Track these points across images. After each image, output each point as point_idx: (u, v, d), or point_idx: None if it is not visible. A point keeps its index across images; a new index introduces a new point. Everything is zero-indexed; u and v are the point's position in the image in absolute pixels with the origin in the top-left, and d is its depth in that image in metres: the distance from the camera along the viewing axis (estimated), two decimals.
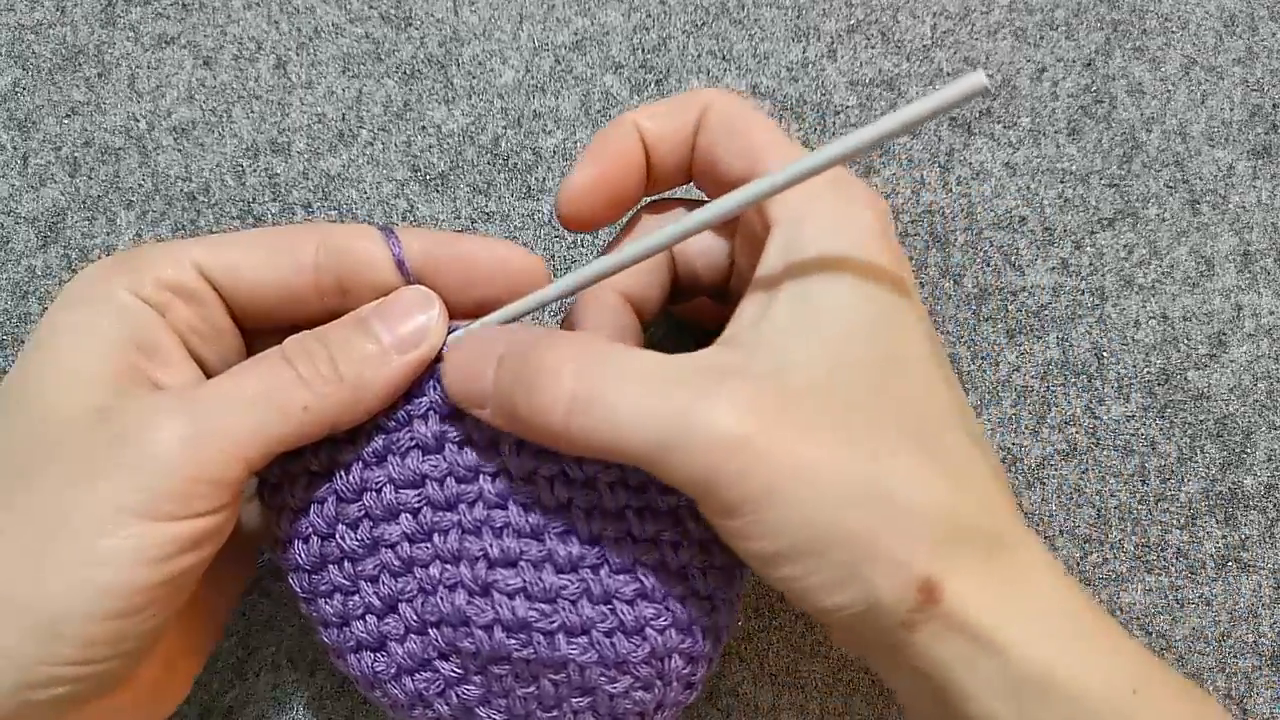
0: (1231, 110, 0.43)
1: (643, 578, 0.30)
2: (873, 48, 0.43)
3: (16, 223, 0.41)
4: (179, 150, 0.42)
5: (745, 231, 0.31)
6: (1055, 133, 0.43)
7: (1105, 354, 0.41)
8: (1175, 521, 0.40)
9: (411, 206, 0.42)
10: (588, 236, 0.42)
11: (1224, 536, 0.40)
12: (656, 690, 0.31)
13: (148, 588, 0.26)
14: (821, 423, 0.26)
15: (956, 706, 0.26)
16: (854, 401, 0.26)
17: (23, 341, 0.41)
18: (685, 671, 0.31)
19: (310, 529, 0.31)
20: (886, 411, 0.27)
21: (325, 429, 0.29)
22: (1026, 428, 0.41)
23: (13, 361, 0.41)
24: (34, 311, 0.41)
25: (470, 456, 0.30)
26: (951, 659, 0.26)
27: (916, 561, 0.25)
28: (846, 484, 0.25)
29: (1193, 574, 0.40)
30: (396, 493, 0.30)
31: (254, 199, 0.42)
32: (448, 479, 0.30)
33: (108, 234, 0.41)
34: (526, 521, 0.30)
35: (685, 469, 0.25)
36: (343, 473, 0.30)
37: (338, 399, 0.29)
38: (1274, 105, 0.43)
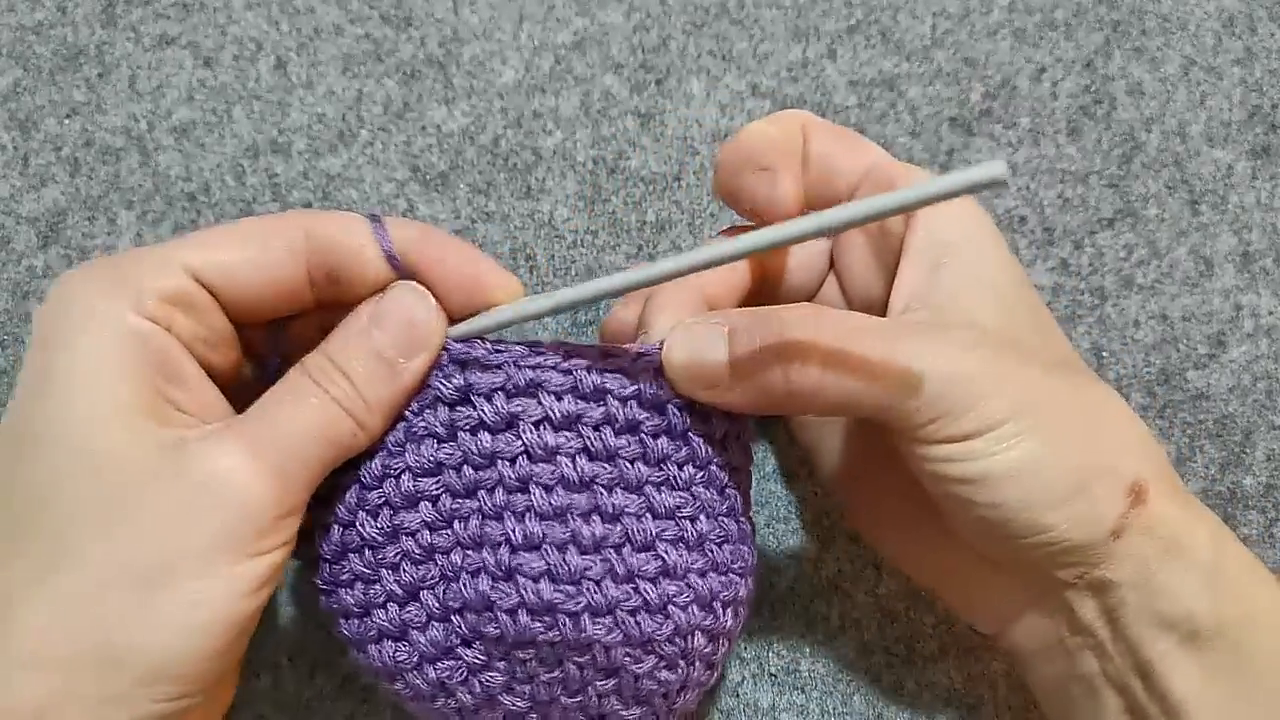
0: (1231, 110, 0.43)
1: (664, 554, 0.30)
2: (873, 48, 0.43)
3: (17, 223, 0.41)
4: (179, 150, 0.42)
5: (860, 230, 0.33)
6: (1055, 133, 0.43)
7: (1105, 354, 0.41)
8: None
9: (411, 206, 0.42)
10: (587, 237, 0.42)
11: None
12: (680, 669, 0.31)
13: (243, 620, 0.27)
14: (1029, 358, 0.30)
15: (1147, 606, 0.29)
16: (1032, 343, 0.31)
17: (23, 341, 0.41)
18: (707, 650, 0.31)
19: (332, 518, 0.31)
20: (1056, 350, 0.32)
21: (364, 447, 0.30)
22: None
23: (13, 361, 0.41)
24: (34, 311, 0.41)
25: (485, 442, 0.30)
26: (1149, 558, 0.29)
27: (1129, 468, 0.29)
28: (1068, 402, 0.30)
29: None
30: (415, 480, 0.30)
31: (254, 199, 0.42)
32: (464, 466, 0.30)
33: (108, 234, 0.41)
34: (549, 504, 0.29)
35: (933, 404, 0.28)
36: (363, 461, 0.31)
37: (375, 423, 0.30)
38: (1273, 105, 0.43)
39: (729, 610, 0.31)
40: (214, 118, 0.42)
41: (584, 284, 0.29)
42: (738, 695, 0.39)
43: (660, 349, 0.30)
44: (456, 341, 0.30)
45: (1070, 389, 0.30)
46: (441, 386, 0.30)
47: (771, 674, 0.39)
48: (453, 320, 0.31)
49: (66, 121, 0.42)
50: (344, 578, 0.31)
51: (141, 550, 0.26)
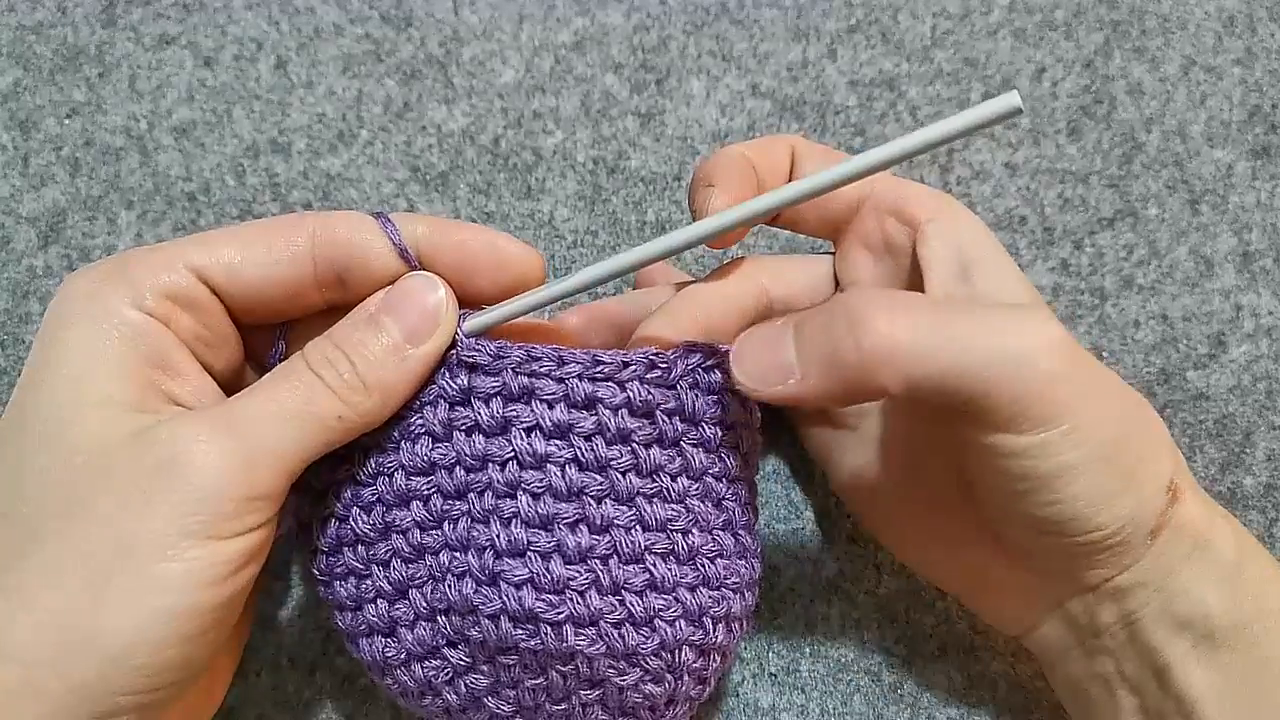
0: (1231, 110, 0.43)
1: (652, 567, 0.30)
2: (873, 48, 0.43)
3: (17, 223, 0.41)
4: (179, 150, 0.42)
5: (865, 241, 0.34)
6: (1055, 133, 0.43)
7: (1105, 354, 0.41)
8: None
9: (411, 206, 0.42)
10: (587, 236, 0.42)
11: None
12: (667, 684, 0.31)
13: (212, 607, 0.26)
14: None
15: (1166, 607, 0.29)
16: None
17: (23, 341, 0.41)
18: (697, 665, 0.31)
19: (328, 510, 0.31)
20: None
21: (358, 433, 0.29)
22: None
23: (13, 360, 0.41)
24: (34, 311, 0.41)
25: (479, 444, 0.30)
26: (1176, 557, 0.29)
27: (1168, 467, 0.29)
28: (1126, 395, 0.30)
29: None
30: (408, 479, 0.30)
31: (254, 199, 0.42)
32: (456, 468, 0.30)
33: (108, 234, 0.41)
34: (536, 511, 0.29)
35: (1015, 380, 0.27)
36: (360, 455, 0.30)
37: (367, 407, 0.29)
38: (1273, 105, 0.43)
39: (720, 626, 0.31)
40: (214, 118, 0.42)
41: (597, 264, 0.30)
42: (738, 695, 0.39)
43: (649, 354, 0.30)
44: (469, 336, 0.30)
45: (1119, 383, 0.30)
46: (446, 385, 0.30)
47: (771, 674, 0.39)
48: (478, 305, 0.31)
49: (66, 121, 0.42)
50: (338, 571, 0.31)
51: (100, 534, 0.26)
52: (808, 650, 0.39)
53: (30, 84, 0.42)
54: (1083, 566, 0.30)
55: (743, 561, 0.32)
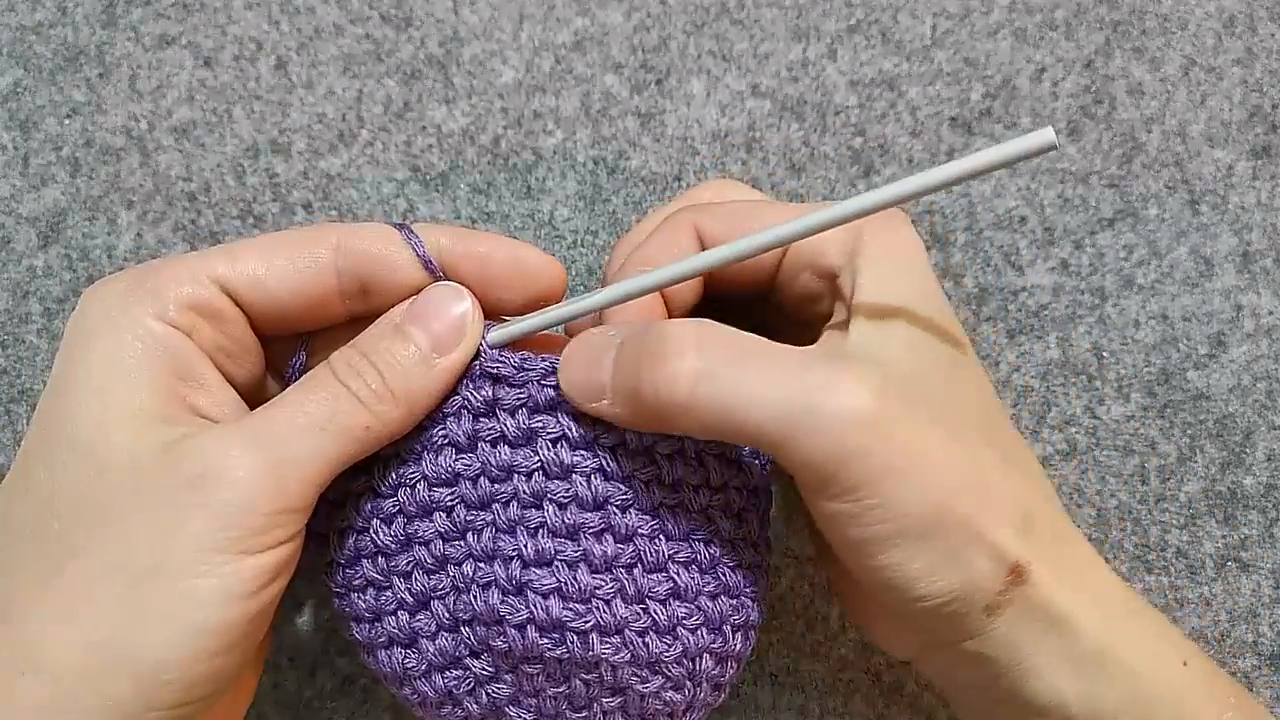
0: (1231, 110, 0.43)
1: (675, 576, 0.30)
2: (873, 48, 0.43)
3: (17, 223, 0.41)
4: (179, 150, 0.42)
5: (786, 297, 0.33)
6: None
7: (1105, 354, 0.41)
8: (1175, 521, 0.40)
9: (411, 206, 0.42)
10: (587, 236, 0.42)
11: (1224, 536, 0.40)
12: (687, 691, 0.31)
13: (243, 621, 0.26)
14: (923, 411, 0.27)
15: (1019, 686, 0.28)
16: (936, 396, 0.29)
17: (23, 341, 0.41)
18: (715, 672, 0.31)
19: (346, 523, 0.31)
20: (960, 407, 0.29)
21: (384, 443, 0.29)
22: (1026, 428, 0.41)
23: (13, 360, 0.41)
24: (34, 311, 0.41)
25: (504, 455, 0.30)
26: (1024, 639, 0.28)
27: (1009, 546, 0.27)
28: (955, 469, 0.27)
29: (1192, 574, 0.40)
30: (430, 490, 0.30)
31: (254, 199, 0.42)
32: (480, 478, 0.30)
33: (108, 234, 0.41)
34: (562, 521, 0.29)
35: (813, 446, 0.26)
36: (380, 467, 0.30)
37: (394, 417, 0.29)
38: (1273, 105, 0.43)
39: (739, 634, 0.31)
40: (214, 118, 0.42)
41: (622, 283, 0.30)
42: (738, 695, 0.39)
43: None
44: (492, 348, 0.30)
45: (963, 450, 0.28)
46: (471, 396, 0.30)
47: (771, 674, 0.39)
48: (498, 316, 0.31)
49: (66, 121, 0.42)
50: (357, 582, 0.31)
51: (134, 549, 0.26)
52: (808, 650, 0.39)
53: (30, 84, 0.42)
54: (927, 625, 0.29)
55: (758, 570, 0.32)
